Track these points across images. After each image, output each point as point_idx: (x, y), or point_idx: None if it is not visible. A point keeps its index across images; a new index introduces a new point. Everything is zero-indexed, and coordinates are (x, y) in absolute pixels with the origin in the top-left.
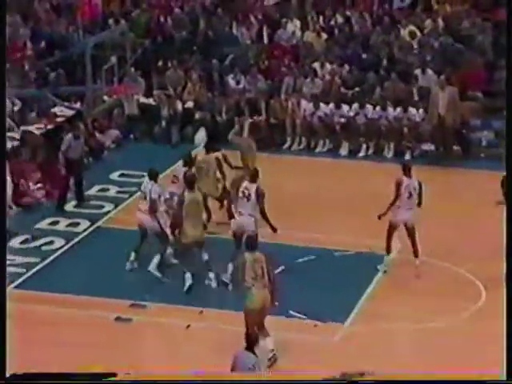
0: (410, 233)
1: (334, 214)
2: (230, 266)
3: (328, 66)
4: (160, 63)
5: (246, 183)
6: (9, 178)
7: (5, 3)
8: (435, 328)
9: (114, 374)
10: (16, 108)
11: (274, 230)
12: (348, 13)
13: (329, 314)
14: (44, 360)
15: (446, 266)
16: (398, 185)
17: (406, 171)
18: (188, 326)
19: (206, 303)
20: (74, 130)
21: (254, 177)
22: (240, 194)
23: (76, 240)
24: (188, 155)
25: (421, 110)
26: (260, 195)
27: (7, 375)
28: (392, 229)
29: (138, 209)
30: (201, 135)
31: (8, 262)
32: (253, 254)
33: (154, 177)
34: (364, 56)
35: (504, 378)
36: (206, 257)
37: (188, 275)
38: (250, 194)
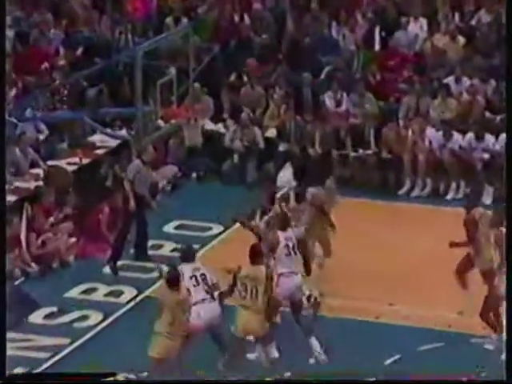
0: None
1: (471, 285)
2: None
3: (466, 80)
4: (233, 77)
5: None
6: (31, 231)
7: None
8: None
9: (114, 374)
10: (42, 136)
11: None
12: (496, 9)
13: None
14: None
15: None
16: None
17: None
18: None
19: None
20: (118, 163)
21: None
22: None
23: (118, 314)
24: None
25: None
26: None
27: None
28: None
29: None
30: (286, 174)
31: (26, 344)
32: None
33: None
34: None
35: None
36: None
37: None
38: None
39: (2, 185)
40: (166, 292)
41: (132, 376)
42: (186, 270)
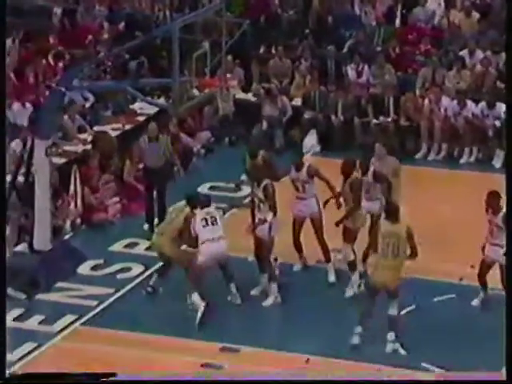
0: None
1: (480, 242)
2: None
3: (480, 53)
4: (262, 50)
5: None
6: (78, 191)
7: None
8: None
9: (114, 374)
10: (88, 104)
11: None
12: None
13: (471, 368)
14: None
15: None
16: None
17: None
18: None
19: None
20: (159, 130)
21: None
22: None
23: (157, 266)
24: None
25: None
26: None
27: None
28: None
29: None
30: (311, 140)
31: (76, 293)
32: None
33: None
34: None
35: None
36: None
37: None
38: None
39: (2, 184)
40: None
41: None
42: (199, 213)
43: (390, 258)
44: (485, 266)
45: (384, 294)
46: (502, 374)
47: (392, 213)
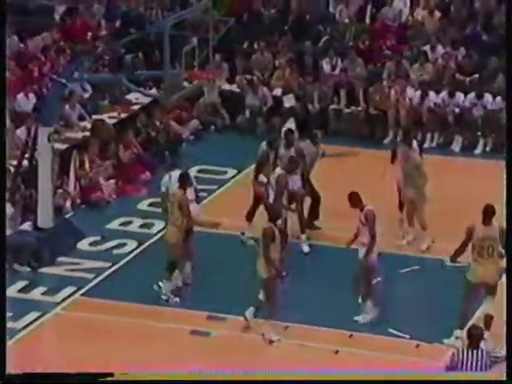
0: None
1: (442, 218)
2: None
3: (441, 48)
4: (245, 45)
5: None
6: (78, 173)
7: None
8: None
9: (112, 374)
10: (87, 95)
11: None
12: None
13: (434, 334)
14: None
15: None
16: None
17: None
18: (271, 342)
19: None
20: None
21: None
22: None
23: (150, 242)
24: None
25: None
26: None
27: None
28: None
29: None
30: (290, 126)
31: (75, 267)
32: None
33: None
34: (485, 38)
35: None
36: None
37: None
38: None
39: (3, 184)
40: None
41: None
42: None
43: (486, 257)
44: None
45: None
46: (502, 374)
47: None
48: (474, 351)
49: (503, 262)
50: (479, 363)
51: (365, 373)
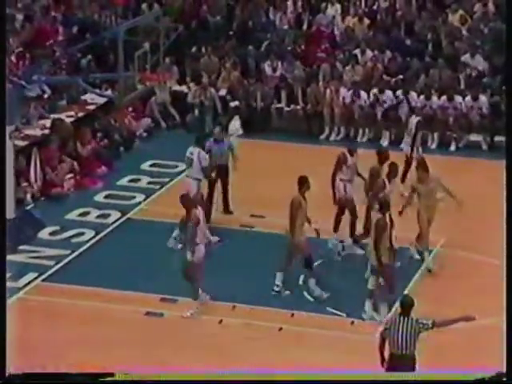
0: None
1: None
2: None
3: (369, 52)
4: (194, 49)
5: None
6: (38, 168)
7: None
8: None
9: (112, 374)
10: (45, 95)
11: None
12: None
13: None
14: (72, 357)
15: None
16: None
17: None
18: (220, 321)
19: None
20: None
21: None
22: None
23: (106, 232)
24: None
25: (467, 99)
26: None
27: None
28: None
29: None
30: (235, 124)
31: (36, 255)
32: None
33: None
34: (408, 42)
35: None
36: None
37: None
38: None
39: (2, 183)
40: None
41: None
42: None
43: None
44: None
45: None
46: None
47: None
48: (406, 318)
49: None
50: (410, 329)
51: (365, 373)
